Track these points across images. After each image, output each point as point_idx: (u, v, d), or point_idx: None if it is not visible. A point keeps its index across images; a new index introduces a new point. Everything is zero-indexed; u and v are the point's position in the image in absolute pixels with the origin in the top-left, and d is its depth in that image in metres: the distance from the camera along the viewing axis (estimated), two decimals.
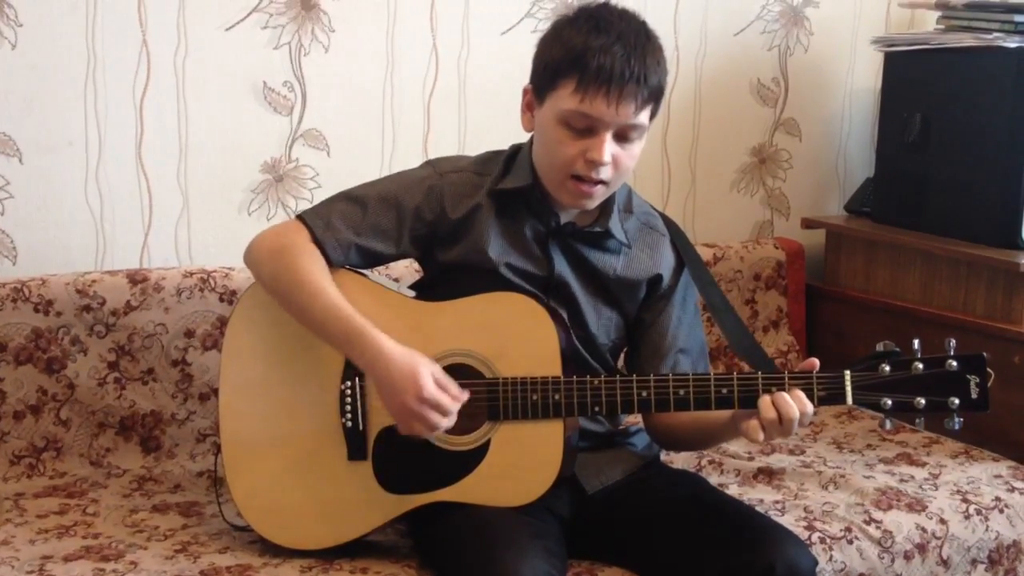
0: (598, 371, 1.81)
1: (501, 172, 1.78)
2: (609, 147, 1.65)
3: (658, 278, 1.83)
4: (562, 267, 1.78)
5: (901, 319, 2.50)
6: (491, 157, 1.82)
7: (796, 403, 1.62)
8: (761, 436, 1.63)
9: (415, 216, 1.77)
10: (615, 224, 1.79)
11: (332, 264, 1.75)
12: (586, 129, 1.65)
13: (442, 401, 1.63)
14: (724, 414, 1.70)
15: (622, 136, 1.67)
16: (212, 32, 2.20)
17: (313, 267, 1.71)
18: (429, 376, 1.63)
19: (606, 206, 1.78)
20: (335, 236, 1.75)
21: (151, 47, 2.16)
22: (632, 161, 1.70)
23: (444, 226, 1.77)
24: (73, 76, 2.12)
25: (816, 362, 1.67)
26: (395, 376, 1.63)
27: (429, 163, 1.84)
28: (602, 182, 1.68)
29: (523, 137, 1.84)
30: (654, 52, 1.67)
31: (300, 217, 1.78)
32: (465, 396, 1.65)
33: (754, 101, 2.74)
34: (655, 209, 1.90)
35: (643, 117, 1.67)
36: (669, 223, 1.88)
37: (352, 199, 1.78)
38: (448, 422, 1.64)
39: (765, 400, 1.63)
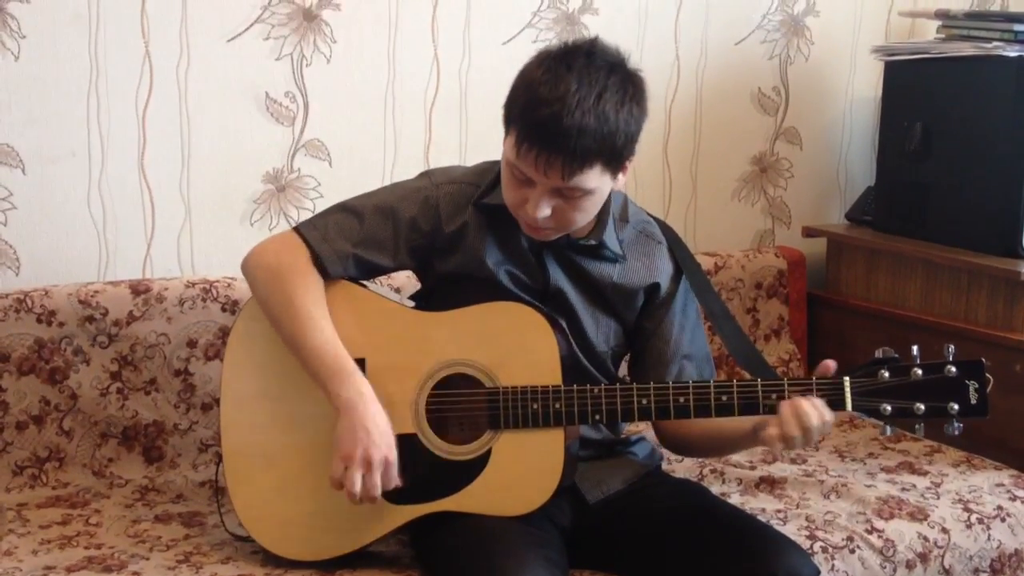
0: (599, 379, 1.81)
1: (490, 185, 1.78)
2: (544, 204, 1.62)
3: (655, 287, 1.83)
4: (557, 276, 1.79)
5: (902, 327, 2.50)
6: (487, 168, 1.82)
7: (818, 411, 1.62)
8: (780, 447, 1.63)
9: (411, 227, 1.77)
10: (609, 235, 1.79)
11: (331, 276, 1.75)
12: (525, 180, 1.63)
13: (389, 476, 1.65)
14: (744, 424, 1.70)
15: (561, 194, 1.63)
16: (214, 43, 2.21)
17: (307, 296, 1.71)
18: (394, 447, 1.65)
19: (600, 217, 1.78)
20: (332, 248, 1.75)
21: (154, 58, 2.17)
22: (580, 214, 1.66)
23: (440, 237, 1.78)
24: (76, 87, 2.13)
25: (832, 364, 1.67)
26: (371, 426, 1.64)
27: (425, 174, 1.84)
28: (544, 229, 1.67)
29: None
30: (610, 110, 1.57)
31: (297, 230, 1.78)
32: (402, 483, 1.67)
33: (755, 110, 2.75)
34: (652, 216, 1.90)
35: (580, 180, 1.59)
36: (667, 230, 1.88)
37: (348, 210, 1.79)
38: (377, 491, 1.64)
39: (786, 412, 1.62)
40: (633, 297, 1.83)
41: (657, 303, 1.84)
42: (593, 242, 1.78)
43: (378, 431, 1.64)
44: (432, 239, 1.78)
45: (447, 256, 1.78)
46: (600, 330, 1.82)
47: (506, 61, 2.38)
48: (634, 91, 1.62)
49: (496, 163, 1.81)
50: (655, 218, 1.90)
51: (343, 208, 1.79)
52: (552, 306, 1.77)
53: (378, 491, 1.65)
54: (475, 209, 1.77)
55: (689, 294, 1.87)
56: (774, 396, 1.66)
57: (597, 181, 1.62)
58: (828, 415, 1.63)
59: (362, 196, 1.82)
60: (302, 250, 1.75)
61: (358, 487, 1.64)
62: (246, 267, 1.78)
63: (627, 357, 1.91)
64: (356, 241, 1.76)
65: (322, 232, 1.76)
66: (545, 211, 1.62)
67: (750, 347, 1.87)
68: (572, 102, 1.55)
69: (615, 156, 1.62)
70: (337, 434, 1.66)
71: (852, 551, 1.89)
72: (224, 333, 2.10)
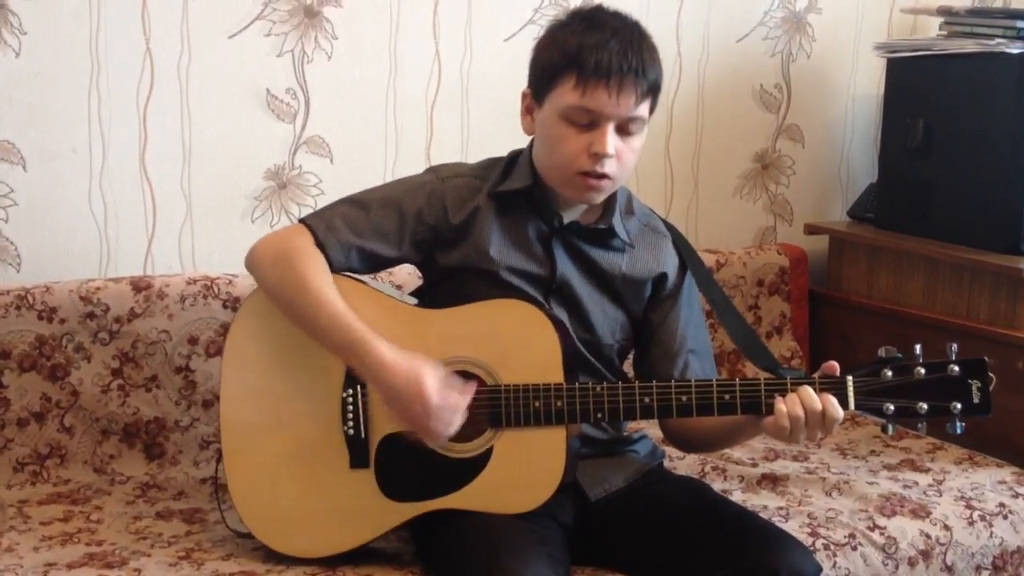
0: (603, 374, 1.81)
1: (501, 175, 1.80)
2: (612, 139, 1.67)
3: (663, 277, 1.84)
4: (565, 267, 1.79)
5: (904, 325, 2.50)
6: (492, 163, 1.84)
7: (826, 404, 1.62)
8: (787, 423, 1.62)
9: (417, 219, 1.77)
10: (617, 223, 1.80)
11: (333, 266, 1.75)
12: (588, 124, 1.67)
13: (450, 400, 1.64)
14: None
15: (623, 129, 1.69)
16: (215, 39, 2.21)
17: (317, 274, 1.71)
18: (433, 379, 1.64)
19: (608, 205, 1.80)
20: (337, 238, 1.76)
21: (155, 54, 2.17)
22: (634, 156, 1.72)
23: (446, 230, 1.78)
24: (77, 83, 2.13)
25: (836, 365, 1.67)
26: (400, 385, 1.63)
27: (431, 169, 1.85)
28: (607, 176, 1.69)
29: (524, 143, 1.84)
30: (650, 48, 1.70)
31: (303, 220, 1.78)
32: (472, 387, 1.66)
33: (757, 107, 2.74)
34: (654, 212, 1.91)
35: (643, 109, 1.69)
36: (669, 227, 1.89)
37: (354, 202, 1.79)
38: (460, 418, 1.65)
39: (792, 396, 1.63)
40: (642, 287, 1.83)
41: (664, 295, 1.85)
42: (603, 226, 1.79)
43: (406, 387, 1.62)
44: (437, 232, 1.78)
45: (450, 249, 1.78)
46: (607, 322, 1.82)
47: (507, 58, 2.40)
48: (653, 42, 1.73)
49: (499, 159, 1.82)
50: (658, 215, 1.91)
51: (349, 201, 1.80)
52: (558, 297, 1.78)
53: (456, 422, 1.64)
54: (488, 199, 1.77)
55: (693, 289, 1.88)
56: (777, 395, 1.65)
57: (647, 114, 1.71)
58: (834, 410, 1.62)
59: (368, 190, 1.82)
60: (308, 237, 1.75)
61: (444, 434, 1.64)
62: (252, 256, 1.78)
63: (630, 356, 1.91)
64: (361, 232, 1.77)
65: (327, 222, 1.76)
66: (615, 144, 1.67)
67: (753, 336, 1.89)
68: (625, 34, 1.67)
69: (658, 90, 1.72)
70: (386, 404, 1.67)
71: (854, 548, 1.89)
72: (225, 330, 2.09)
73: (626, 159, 1.70)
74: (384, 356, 1.65)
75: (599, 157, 1.67)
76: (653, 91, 1.70)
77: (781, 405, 1.63)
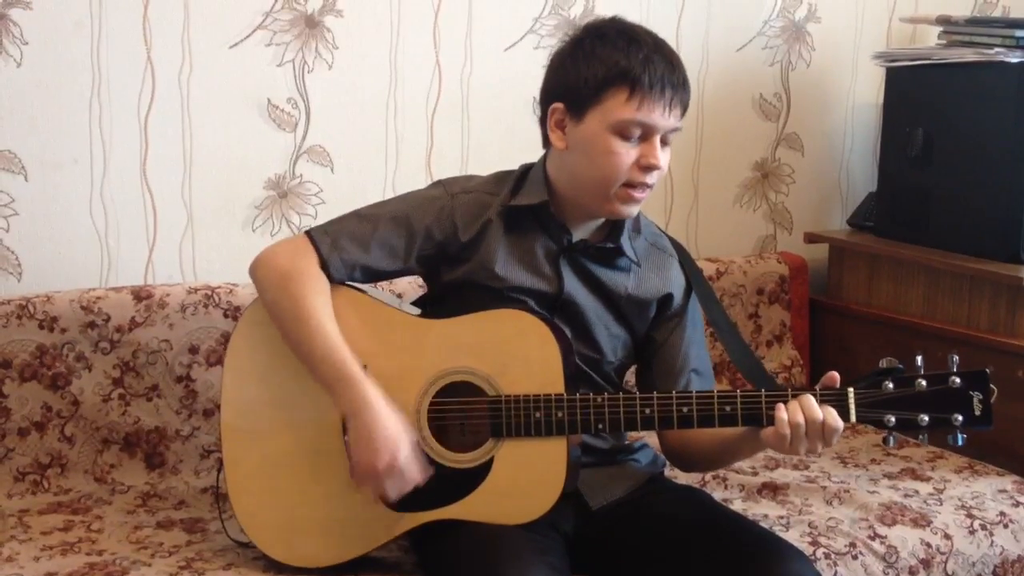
0: (603, 389, 1.81)
1: (512, 190, 1.79)
2: (660, 151, 1.71)
3: (668, 297, 1.84)
4: (572, 285, 1.79)
5: (904, 333, 2.50)
6: (502, 177, 1.83)
7: (826, 415, 1.62)
8: (787, 431, 1.62)
9: (425, 236, 1.77)
10: (625, 242, 1.80)
11: (335, 281, 1.76)
12: (640, 136, 1.69)
13: (412, 469, 1.66)
14: (741, 429, 1.70)
15: (664, 140, 1.73)
16: (216, 49, 2.21)
17: (316, 300, 1.71)
18: (408, 446, 1.66)
19: (617, 223, 1.80)
20: (341, 256, 1.76)
21: (156, 65, 2.17)
22: (668, 163, 1.76)
23: (454, 246, 1.78)
24: (78, 93, 2.13)
25: (836, 376, 1.67)
26: (379, 430, 1.64)
27: (439, 183, 1.84)
28: (649, 186, 1.72)
29: (525, 153, 1.85)
30: (679, 58, 1.75)
31: (309, 234, 1.78)
32: (430, 473, 1.68)
33: (756, 116, 2.75)
34: (661, 230, 1.91)
35: (682, 121, 1.74)
36: (676, 246, 1.89)
37: (362, 217, 1.79)
38: (406, 490, 1.66)
39: (793, 404, 1.63)
40: (647, 307, 1.83)
41: (668, 315, 1.85)
42: (610, 245, 1.79)
43: (382, 437, 1.64)
44: (444, 248, 1.78)
45: (456, 265, 1.78)
46: (610, 340, 1.82)
47: (508, 67, 2.41)
48: None
49: (509, 172, 1.82)
50: (662, 231, 1.92)
51: (357, 215, 1.80)
52: (563, 315, 1.78)
53: (390, 496, 1.66)
54: (499, 214, 1.77)
55: (697, 308, 1.88)
56: (778, 404, 1.65)
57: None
58: (834, 420, 1.62)
59: (376, 204, 1.82)
60: (312, 256, 1.75)
61: (370, 494, 1.66)
62: (254, 270, 1.78)
63: (633, 368, 1.91)
64: (367, 249, 1.77)
65: (333, 238, 1.76)
66: (665, 158, 1.72)
67: (753, 360, 1.88)
68: (664, 49, 1.72)
69: None
70: (349, 441, 1.67)
71: (855, 557, 1.89)
72: (226, 339, 2.09)
73: (665, 167, 1.74)
74: (370, 397, 1.66)
75: (651, 168, 1.70)
76: (688, 103, 1.75)
77: (782, 413, 1.62)
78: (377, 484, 1.66)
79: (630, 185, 1.71)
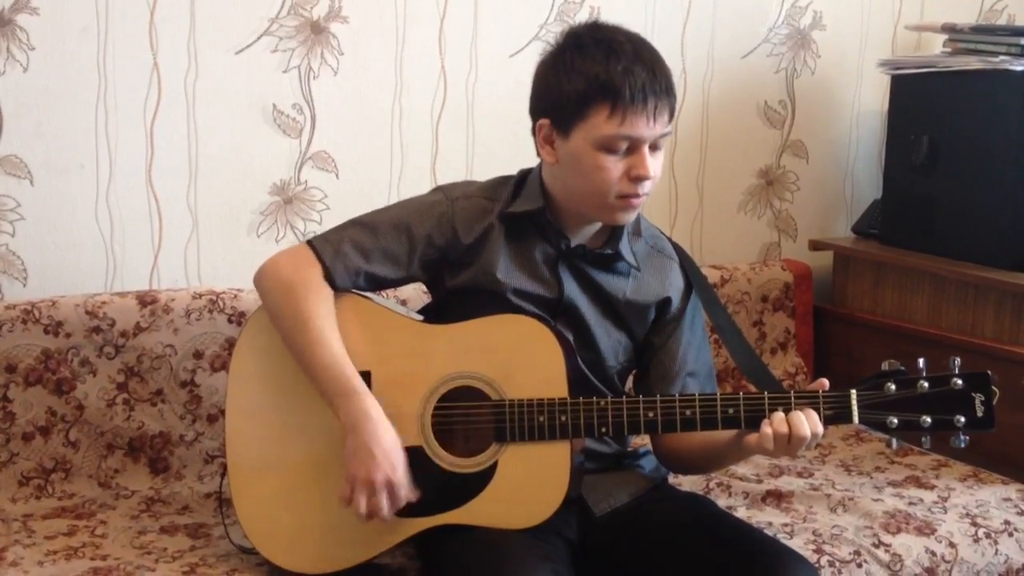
0: (605, 394, 1.81)
1: (511, 196, 1.79)
2: (650, 160, 1.69)
3: (667, 301, 1.84)
4: (572, 290, 1.79)
5: (909, 341, 2.49)
6: (501, 182, 1.83)
7: (808, 423, 1.63)
8: (771, 444, 1.63)
9: (426, 242, 1.78)
10: (624, 247, 1.80)
11: (339, 290, 1.76)
12: (627, 149, 1.68)
13: (403, 492, 1.66)
14: (729, 433, 1.71)
15: (653, 146, 1.70)
16: (222, 55, 2.22)
17: (319, 311, 1.72)
18: (404, 463, 1.66)
19: (615, 229, 1.79)
20: (344, 264, 1.76)
21: (162, 70, 2.18)
22: (661, 169, 1.74)
23: (456, 251, 1.78)
24: (84, 99, 2.14)
25: (825, 382, 1.68)
26: (376, 448, 1.64)
27: (439, 189, 1.85)
28: (644, 194, 1.71)
29: (530, 160, 1.84)
30: (662, 62, 1.71)
31: (311, 243, 1.78)
32: (415, 496, 1.68)
33: (761, 123, 2.75)
34: (662, 232, 1.91)
35: (670, 124, 1.71)
36: (677, 248, 1.89)
37: (363, 225, 1.79)
38: (394, 508, 1.66)
39: (779, 415, 1.64)
40: (645, 312, 1.83)
41: (667, 319, 1.85)
42: (609, 251, 1.79)
43: (382, 451, 1.64)
44: (446, 253, 1.78)
45: (459, 270, 1.79)
46: (611, 344, 1.82)
47: (513, 73, 2.41)
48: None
49: (508, 177, 1.83)
50: (664, 235, 1.91)
51: (357, 223, 1.80)
52: (564, 319, 1.78)
53: (384, 511, 1.65)
54: (498, 220, 1.77)
55: (698, 310, 1.87)
56: (780, 409, 1.65)
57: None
58: (819, 427, 1.63)
59: (376, 212, 1.82)
60: (315, 265, 1.75)
61: (363, 508, 1.65)
62: (259, 279, 1.79)
63: (632, 373, 1.91)
64: (370, 256, 1.77)
65: (335, 247, 1.76)
66: (657, 164, 1.69)
67: (757, 362, 1.87)
68: (644, 55, 1.68)
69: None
70: (345, 454, 1.67)
71: (859, 565, 1.88)
72: (230, 344, 2.10)
73: (657, 174, 1.72)
74: (371, 410, 1.66)
75: (641, 179, 1.68)
76: (674, 105, 1.73)
77: (767, 428, 1.63)
78: (372, 498, 1.65)
79: (623, 196, 1.70)
